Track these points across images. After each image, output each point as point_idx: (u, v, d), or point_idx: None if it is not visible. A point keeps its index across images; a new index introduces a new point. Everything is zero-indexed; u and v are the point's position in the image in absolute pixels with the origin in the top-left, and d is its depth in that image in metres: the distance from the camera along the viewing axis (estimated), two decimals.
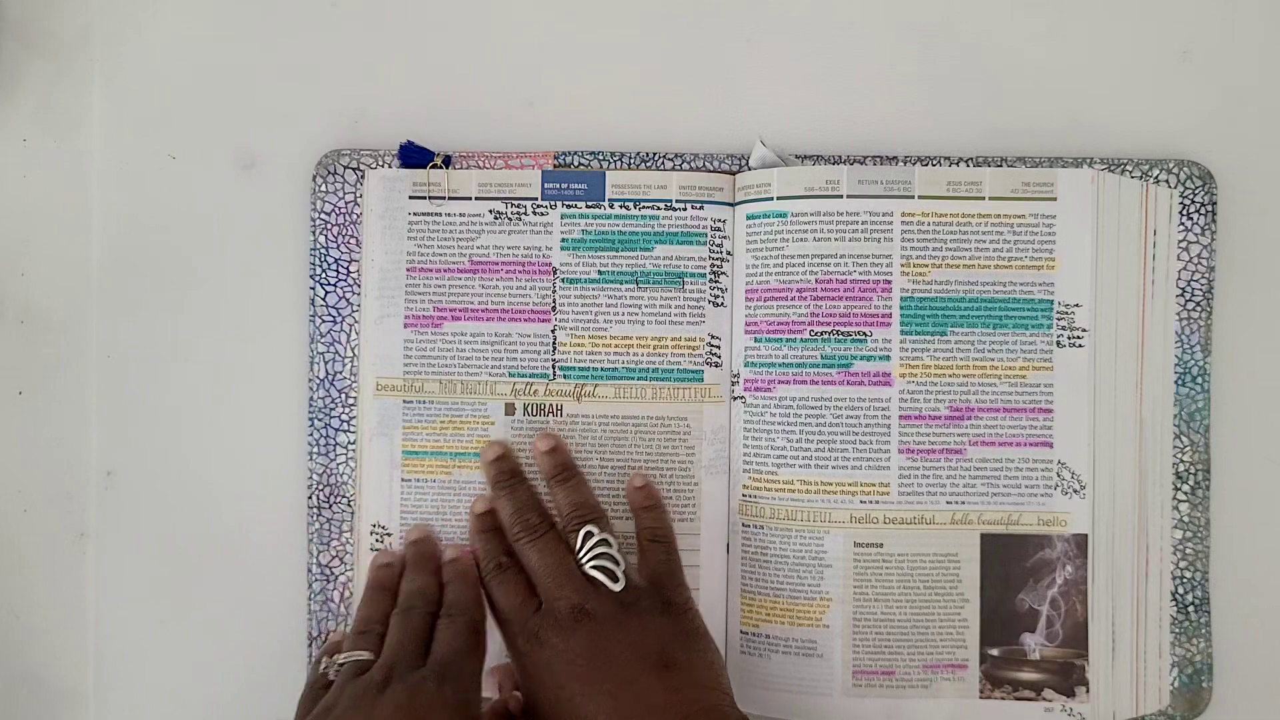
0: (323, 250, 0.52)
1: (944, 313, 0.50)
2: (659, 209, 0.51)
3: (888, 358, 0.50)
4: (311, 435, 0.51)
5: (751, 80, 0.52)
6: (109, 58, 0.53)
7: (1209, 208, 0.50)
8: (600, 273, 0.51)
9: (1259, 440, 0.51)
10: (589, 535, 0.47)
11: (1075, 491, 0.50)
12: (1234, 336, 0.51)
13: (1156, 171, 0.51)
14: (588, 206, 0.51)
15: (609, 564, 0.46)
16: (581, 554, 0.46)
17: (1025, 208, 0.50)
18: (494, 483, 0.49)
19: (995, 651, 0.50)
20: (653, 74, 0.52)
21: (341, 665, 0.44)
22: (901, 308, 0.50)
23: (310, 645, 0.51)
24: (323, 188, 0.52)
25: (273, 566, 0.52)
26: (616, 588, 0.46)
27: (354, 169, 0.52)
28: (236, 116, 0.53)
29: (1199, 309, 0.50)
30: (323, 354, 0.52)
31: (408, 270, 0.52)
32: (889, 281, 0.50)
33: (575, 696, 0.43)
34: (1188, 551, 0.50)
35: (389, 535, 0.51)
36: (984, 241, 0.50)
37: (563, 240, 0.51)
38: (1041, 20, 0.52)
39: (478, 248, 0.52)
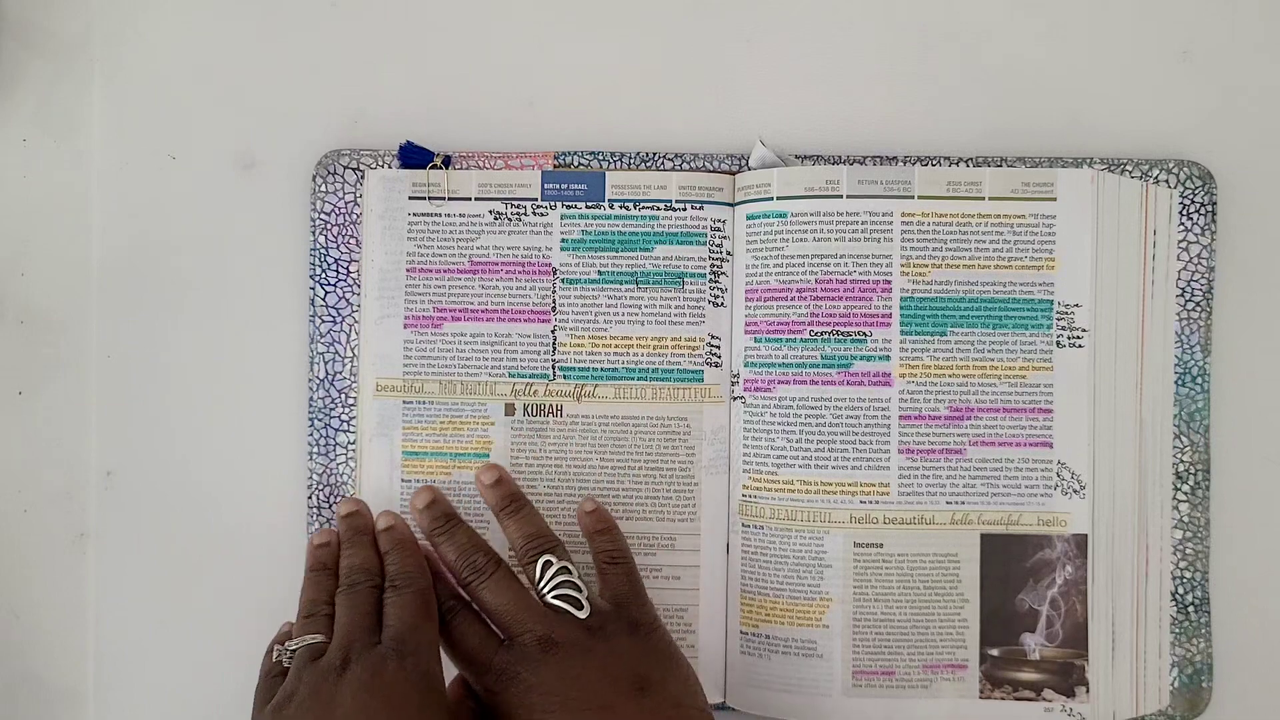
0: (323, 250, 0.52)
1: (944, 313, 0.50)
2: (659, 209, 0.51)
3: (888, 358, 0.50)
4: (311, 435, 0.51)
5: (751, 80, 0.52)
6: (109, 58, 0.53)
7: (1209, 208, 0.50)
8: (600, 273, 0.51)
9: (1259, 440, 0.51)
10: (548, 565, 0.46)
11: (1075, 491, 0.50)
12: (1234, 336, 0.51)
13: (1156, 171, 0.50)
14: (588, 207, 0.51)
15: (572, 591, 0.45)
16: (542, 584, 0.46)
17: (1025, 208, 0.50)
18: (430, 531, 0.48)
19: (995, 651, 0.50)
20: (653, 74, 0.52)
21: (295, 651, 0.44)
22: (901, 308, 0.50)
23: None
24: (323, 188, 0.52)
25: (273, 567, 0.52)
26: (582, 615, 0.45)
27: (354, 169, 0.52)
28: (236, 116, 0.53)
29: (1199, 309, 0.50)
30: (323, 354, 0.52)
31: (408, 271, 0.52)
32: (889, 281, 0.50)
33: None
34: (1188, 551, 0.50)
35: None
36: (984, 241, 0.50)
37: (563, 241, 0.51)
38: (1041, 20, 0.52)
39: (478, 248, 0.52)
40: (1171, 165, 0.51)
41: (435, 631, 0.45)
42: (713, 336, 0.51)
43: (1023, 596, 0.50)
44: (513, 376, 0.51)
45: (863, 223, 0.50)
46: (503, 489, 0.49)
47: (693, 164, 0.51)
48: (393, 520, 0.49)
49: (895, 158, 0.51)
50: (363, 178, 0.52)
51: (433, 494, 0.49)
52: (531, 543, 0.47)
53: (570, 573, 0.46)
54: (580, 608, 0.45)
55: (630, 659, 0.44)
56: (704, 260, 0.51)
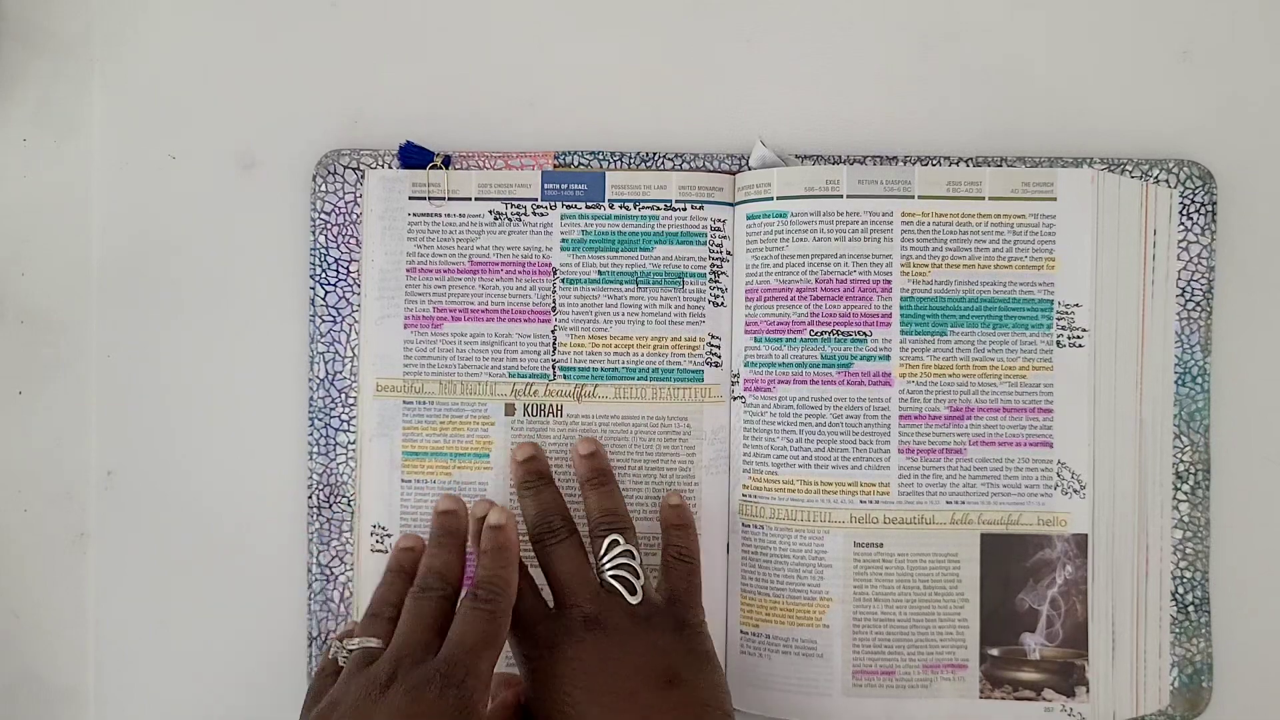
0: (323, 250, 0.52)
1: (944, 313, 0.50)
2: (659, 209, 0.51)
3: (888, 358, 0.50)
4: (311, 435, 0.51)
5: (751, 80, 0.52)
6: (109, 58, 0.53)
7: (1209, 208, 0.50)
8: (600, 273, 0.51)
9: (1259, 440, 0.51)
10: (614, 544, 0.46)
11: (1075, 491, 0.50)
12: (1234, 336, 0.51)
13: (1156, 171, 0.51)
14: (588, 207, 0.51)
15: (629, 575, 0.46)
16: (604, 560, 0.46)
17: (1025, 208, 0.50)
18: (521, 482, 0.49)
19: (995, 651, 0.50)
20: (653, 74, 0.52)
21: (351, 651, 0.44)
22: (901, 308, 0.50)
23: (310, 645, 0.51)
24: (323, 188, 0.52)
25: (273, 566, 0.52)
26: (633, 600, 0.45)
27: (354, 169, 0.52)
28: (236, 116, 0.53)
29: (1199, 309, 0.50)
30: (323, 354, 0.52)
31: (408, 271, 0.52)
32: (889, 281, 0.50)
33: (579, 704, 0.43)
34: (1188, 551, 0.50)
35: (389, 536, 0.51)
36: (984, 241, 0.50)
37: (563, 241, 0.51)
38: (1041, 20, 0.52)
39: (478, 248, 0.52)
40: (1171, 165, 0.51)
41: (495, 657, 0.43)
42: (713, 336, 0.51)
43: (1023, 596, 0.50)
44: (513, 376, 0.51)
45: (863, 223, 0.50)
46: (595, 462, 0.49)
47: (693, 164, 0.51)
48: (504, 519, 0.47)
49: (895, 158, 0.51)
50: (363, 178, 0.52)
51: (535, 450, 0.50)
52: (606, 518, 0.48)
53: (633, 557, 0.46)
54: (634, 593, 0.45)
55: (668, 654, 0.45)
56: (704, 260, 0.51)
